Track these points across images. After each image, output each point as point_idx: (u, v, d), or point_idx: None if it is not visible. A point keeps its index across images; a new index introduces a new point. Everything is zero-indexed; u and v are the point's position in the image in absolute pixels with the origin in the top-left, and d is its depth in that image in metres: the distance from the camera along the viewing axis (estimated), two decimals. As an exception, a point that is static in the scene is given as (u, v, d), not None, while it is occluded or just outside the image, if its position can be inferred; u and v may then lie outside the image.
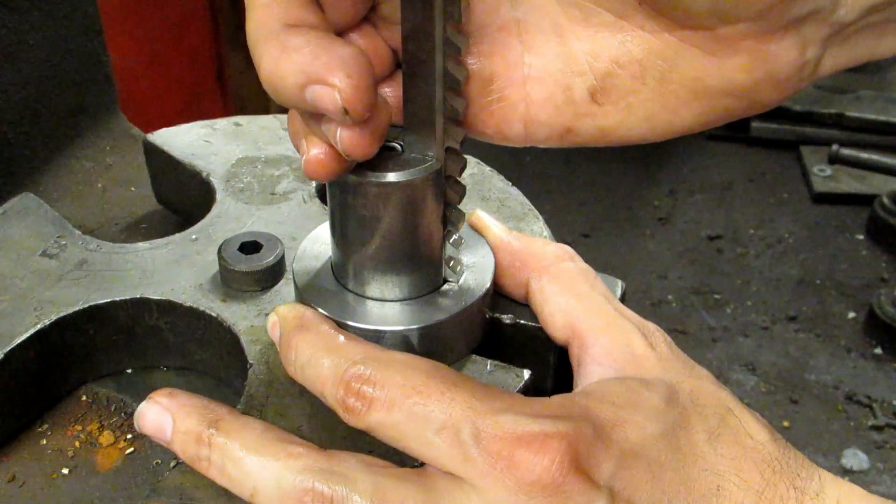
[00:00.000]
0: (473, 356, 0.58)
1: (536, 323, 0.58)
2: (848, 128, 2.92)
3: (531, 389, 0.57)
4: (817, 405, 2.13)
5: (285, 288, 0.63)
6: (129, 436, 0.63)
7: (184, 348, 0.65)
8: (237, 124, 0.81)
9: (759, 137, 3.02)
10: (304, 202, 0.72)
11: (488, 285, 0.57)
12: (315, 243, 0.60)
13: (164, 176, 0.79)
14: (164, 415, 0.52)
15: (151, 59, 2.26)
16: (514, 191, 0.74)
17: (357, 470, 0.48)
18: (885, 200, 2.59)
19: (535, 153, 3.02)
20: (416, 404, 0.47)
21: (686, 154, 3.05)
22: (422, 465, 0.49)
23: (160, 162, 0.78)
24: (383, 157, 0.51)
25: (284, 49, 0.44)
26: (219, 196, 0.72)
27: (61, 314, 0.61)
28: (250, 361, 0.58)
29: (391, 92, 0.50)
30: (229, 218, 0.70)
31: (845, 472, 1.95)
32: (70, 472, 0.60)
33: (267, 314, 0.58)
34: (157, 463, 0.61)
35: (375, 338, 0.54)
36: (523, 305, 0.59)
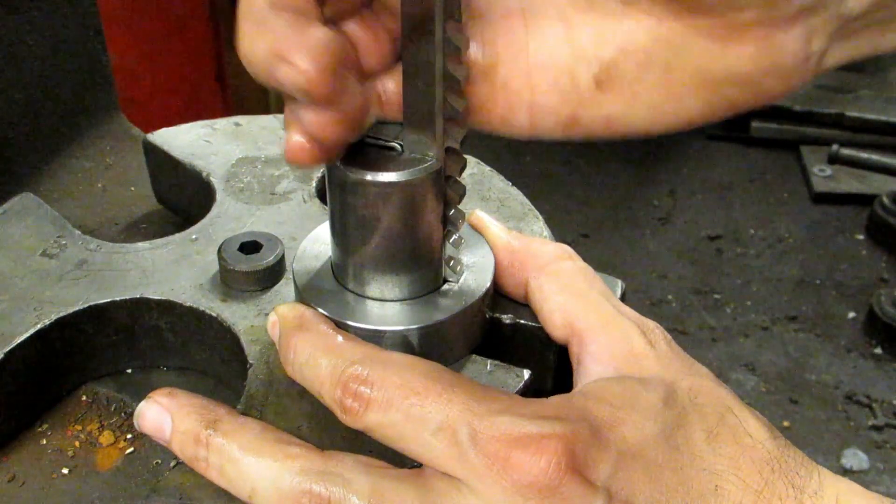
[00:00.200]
0: (473, 356, 0.58)
1: (536, 323, 0.58)
2: (848, 128, 2.92)
3: (531, 389, 0.57)
4: (817, 405, 2.13)
5: (285, 288, 0.63)
6: (129, 436, 0.63)
7: (184, 348, 0.65)
8: (237, 124, 0.81)
9: (759, 137, 3.02)
10: (304, 202, 0.72)
11: (488, 285, 0.57)
12: (315, 243, 0.60)
13: (164, 176, 0.79)
14: (163, 414, 0.52)
15: (151, 59, 2.26)
16: (514, 191, 0.74)
17: (355, 471, 0.48)
18: (885, 200, 2.59)
19: (536, 153, 3.02)
20: (413, 405, 0.47)
21: (686, 154, 3.05)
22: (419, 465, 0.49)
23: (160, 162, 0.78)
24: (383, 157, 0.51)
25: (260, 27, 0.45)
26: (219, 196, 0.72)
27: (61, 314, 0.61)
28: (250, 361, 0.58)
29: (391, 85, 0.50)
30: (229, 218, 0.70)
31: (845, 472, 1.95)
32: (70, 472, 0.60)
33: (267, 314, 0.58)
34: (157, 463, 0.61)
35: (375, 338, 0.54)
36: (523, 305, 0.59)
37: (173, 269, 0.65)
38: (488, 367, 0.57)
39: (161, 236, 0.69)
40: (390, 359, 0.50)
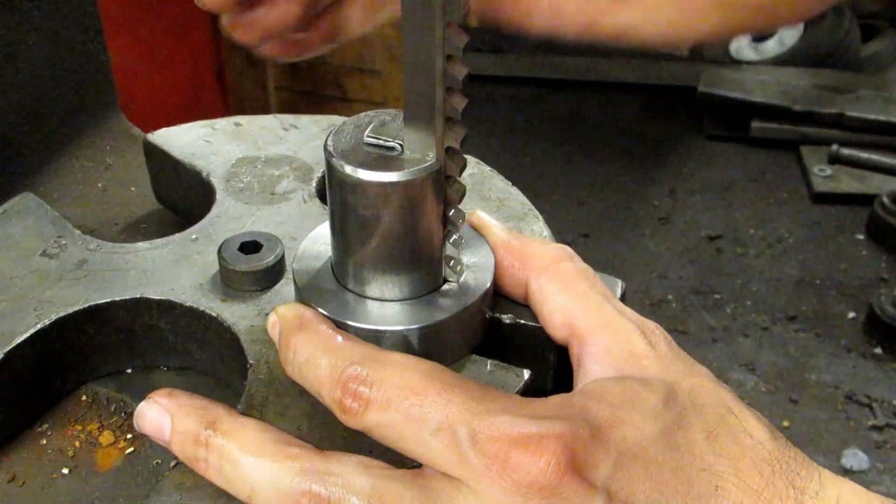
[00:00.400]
0: (473, 356, 0.58)
1: (536, 323, 0.58)
2: (848, 128, 2.92)
3: (531, 389, 0.57)
4: (817, 405, 2.13)
5: (285, 288, 0.63)
6: (129, 436, 0.63)
7: (184, 348, 0.65)
8: (237, 124, 0.81)
9: (759, 137, 3.02)
10: (304, 202, 0.72)
11: (488, 285, 0.57)
12: (315, 243, 0.60)
13: (164, 176, 0.79)
14: (163, 415, 0.52)
15: (151, 59, 2.26)
16: (514, 191, 0.74)
17: (354, 471, 0.48)
18: (885, 200, 2.59)
19: (536, 153, 3.02)
20: (412, 405, 0.47)
21: (686, 154, 3.05)
22: (419, 466, 0.49)
23: (160, 162, 0.78)
24: (383, 157, 0.51)
25: None
26: (219, 196, 0.72)
27: (61, 314, 0.61)
28: (250, 361, 0.58)
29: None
30: (229, 218, 0.70)
31: (845, 472, 1.95)
32: (70, 472, 0.60)
33: (267, 314, 0.58)
34: (157, 463, 0.61)
35: (375, 338, 0.54)
36: (523, 305, 0.59)
37: (173, 269, 0.65)
38: (488, 367, 0.57)
39: (161, 236, 0.69)
40: (390, 359, 0.50)
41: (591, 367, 0.54)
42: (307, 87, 2.80)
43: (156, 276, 0.64)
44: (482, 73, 3.36)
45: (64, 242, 0.68)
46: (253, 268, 0.63)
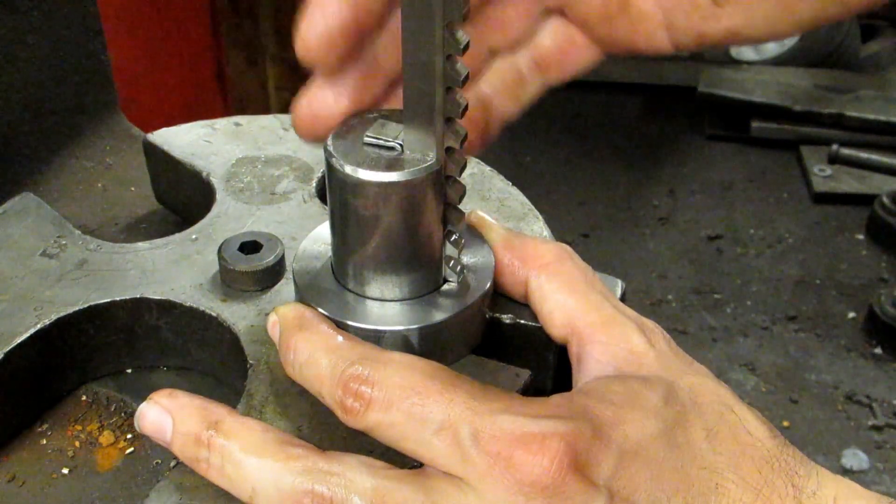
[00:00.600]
0: (473, 356, 0.58)
1: (536, 322, 0.58)
2: (848, 128, 2.92)
3: (531, 389, 0.57)
4: (817, 405, 2.13)
5: (285, 288, 0.63)
6: (129, 436, 0.63)
7: (184, 348, 0.65)
8: (237, 124, 0.81)
9: (759, 137, 3.02)
10: (304, 202, 0.72)
11: (488, 285, 0.57)
12: (315, 243, 0.60)
13: (164, 176, 0.79)
14: (164, 415, 0.52)
15: (151, 59, 2.26)
16: (514, 191, 0.74)
17: (356, 471, 0.48)
18: (885, 200, 2.59)
19: (536, 153, 3.02)
20: (414, 405, 0.47)
21: (686, 154, 3.05)
22: (421, 465, 0.49)
23: (160, 162, 0.78)
24: (383, 157, 0.51)
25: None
26: (219, 196, 0.72)
27: (61, 314, 0.61)
28: (250, 361, 0.58)
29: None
30: (229, 218, 0.70)
31: (845, 472, 1.95)
32: (70, 472, 0.60)
33: (267, 314, 0.58)
34: (157, 463, 0.61)
35: (375, 338, 0.54)
36: (523, 305, 0.59)
37: (173, 269, 0.65)
38: (488, 367, 0.57)
39: (161, 236, 0.69)
40: (391, 358, 0.50)
41: (591, 365, 0.54)
42: (307, 88, 2.79)
43: (156, 276, 0.64)
44: (482, 73, 3.35)
45: (64, 242, 0.68)
46: (253, 268, 0.63)
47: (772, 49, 3.26)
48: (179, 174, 0.77)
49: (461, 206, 0.55)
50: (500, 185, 0.74)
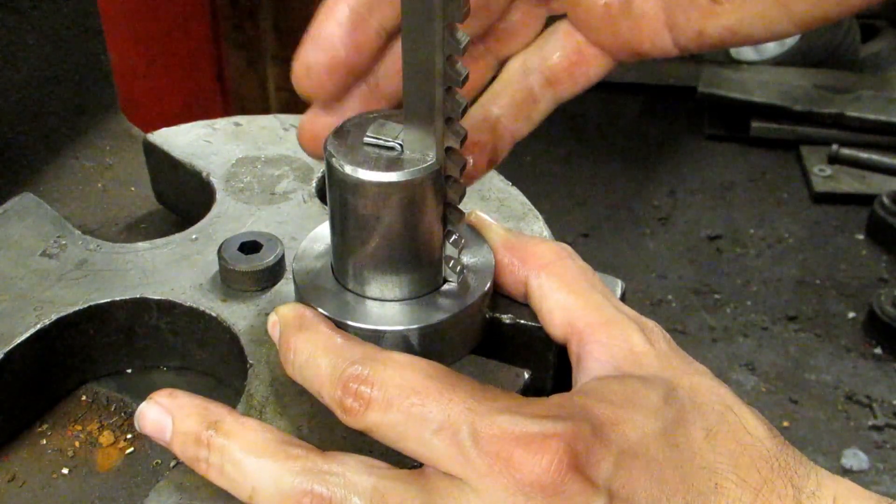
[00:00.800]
0: (473, 356, 0.58)
1: (536, 322, 0.58)
2: (848, 128, 2.92)
3: (531, 389, 0.57)
4: (817, 405, 2.13)
5: (285, 288, 0.63)
6: (129, 436, 0.63)
7: (184, 348, 0.65)
8: (237, 124, 0.81)
9: (759, 137, 3.02)
10: (304, 202, 0.72)
11: (488, 285, 0.57)
12: (315, 243, 0.60)
13: (164, 176, 0.79)
14: (164, 415, 0.52)
15: (151, 59, 2.26)
16: (514, 191, 0.74)
17: (356, 471, 0.48)
18: (885, 200, 2.59)
19: (535, 153, 3.02)
20: (413, 405, 0.47)
21: (686, 154, 3.05)
22: (421, 465, 0.49)
23: (160, 162, 0.78)
24: (383, 157, 0.51)
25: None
26: (219, 196, 0.72)
27: (61, 314, 0.61)
28: (250, 361, 0.58)
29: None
30: (229, 218, 0.70)
31: (845, 472, 1.95)
32: (70, 472, 0.60)
33: (267, 314, 0.58)
34: (157, 463, 0.61)
35: (375, 338, 0.54)
36: (523, 305, 0.59)
37: (173, 269, 0.65)
38: (488, 367, 0.57)
39: (161, 236, 0.69)
40: (391, 358, 0.50)
41: (591, 364, 0.54)
42: (307, 88, 2.78)
43: (156, 276, 0.64)
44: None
45: (64, 242, 0.68)
46: (253, 268, 0.63)
47: (772, 49, 3.26)
48: (179, 174, 0.77)
49: (461, 206, 0.55)
50: (500, 185, 0.74)
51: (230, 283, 0.63)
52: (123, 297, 0.63)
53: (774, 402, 2.13)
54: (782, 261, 2.58)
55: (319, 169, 0.75)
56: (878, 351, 2.26)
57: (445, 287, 0.57)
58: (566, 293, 0.56)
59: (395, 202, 0.51)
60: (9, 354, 0.59)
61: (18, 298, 0.63)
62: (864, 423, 2.08)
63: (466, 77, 0.49)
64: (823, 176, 2.83)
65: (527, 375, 0.56)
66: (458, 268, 0.56)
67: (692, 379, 0.52)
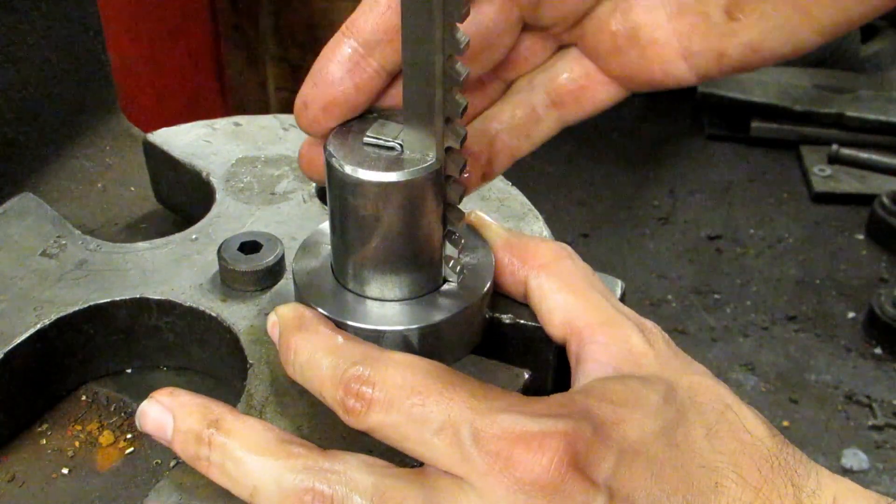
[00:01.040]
0: (473, 356, 0.58)
1: (536, 322, 0.58)
2: (848, 128, 2.92)
3: (531, 389, 0.57)
4: (817, 405, 2.13)
5: (285, 288, 0.63)
6: (128, 435, 0.63)
7: (184, 348, 0.65)
8: (237, 124, 0.81)
9: (758, 137, 3.02)
10: (304, 202, 0.72)
11: (488, 285, 0.57)
12: (315, 243, 0.60)
13: (163, 176, 0.79)
14: (165, 414, 0.52)
15: (151, 59, 2.26)
16: (514, 191, 0.74)
17: (357, 470, 0.48)
18: (885, 200, 2.59)
19: (536, 153, 3.02)
20: (414, 405, 0.47)
21: (686, 154, 3.05)
22: (422, 465, 0.49)
23: (160, 162, 0.78)
24: (383, 157, 0.51)
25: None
26: (219, 196, 0.72)
27: (61, 314, 0.61)
28: (250, 361, 0.58)
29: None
30: (229, 218, 0.70)
31: (845, 472, 1.95)
32: (70, 472, 0.60)
33: (267, 314, 0.58)
34: (157, 463, 0.61)
35: (375, 338, 0.54)
36: (523, 305, 0.59)
37: (173, 269, 0.65)
38: (488, 367, 0.57)
39: (161, 236, 0.69)
40: (392, 358, 0.50)
41: (590, 365, 0.54)
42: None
43: (156, 276, 0.64)
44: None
45: (64, 242, 0.68)
46: (253, 268, 0.63)
47: (772, 49, 3.25)
48: (179, 174, 0.77)
49: (461, 206, 0.55)
50: (500, 185, 0.74)
51: (230, 283, 0.63)
52: (123, 297, 0.63)
53: (774, 402, 2.13)
54: (782, 261, 2.58)
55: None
56: (878, 351, 2.26)
57: (445, 287, 0.57)
58: (565, 293, 0.56)
59: (395, 202, 0.51)
60: (9, 354, 0.59)
61: (18, 298, 0.63)
62: (863, 423, 2.08)
63: (467, 77, 0.49)
64: (823, 176, 2.83)
65: (527, 375, 0.56)
66: (458, 268, 0.56)
67: (692, 378, 0.52)
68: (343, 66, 0.50)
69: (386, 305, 0.55)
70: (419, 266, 0.55)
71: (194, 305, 0.62)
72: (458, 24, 0.47)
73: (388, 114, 0.53)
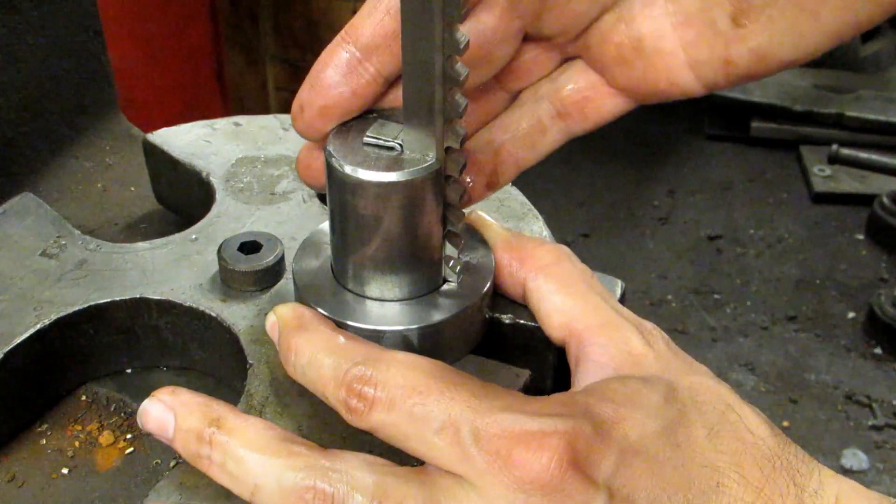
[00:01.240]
0: (473, 356, 0.58)
1: (536, 322, 0.58)
2: (848, 128, 2.92)
3: (531, 389, 0.57)
4: (817, 405, 2.13)
5: (285, 288, 0.63)
6: (128, 436, 0.63)
7: (184, 348, 0.65)
8: (237, 124, 0.81)
9: (758, 137, 3.02)
10: (304, 202, 0.72)
11: (488, 285, 0.57)
12: (315, 243, 0.60)
13: (163, 176, 0.79)
14: (166, 413, 0.52)
15: (151, 59, 2.26)
16: (514, 191, 0.74)
17: (358, 468, 0.48)
18: (885, 200, 2.59)
19: (535, 153, 3.03)
20: (415, 405, 0.47)
21: (686, 154, 3.05)
22: (423, 463, 0.49)
23: (160, 162, 0.78)
24: (383, 157, 0.51)
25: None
26: (218, 196, 0.72)
27: (61, 314, 0.61)
28: (250, 361, 0.58)
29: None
30: (229, 218, 0.70)
31: (845, 472, 1.95)
32: (70, 472, 0.60)
33: (267, 314, 0.58)
34: (156, 463, 0.61)
35: (375, 338, 0.54)
36: (523, 305, 0.59)
37: (173, 269, 0.65)
38: (488, 367, 0.57)
39: (161, 236, 0.69)
40: (393, 358, 0.50)
41: (589, 367, 0.54)
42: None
43: (156, 276, 0.64)
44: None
45: (64, 242, 0.68)
46: (253, 268, 0.63)
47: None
48: (179, 174, 0.77)
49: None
50: (499, 184, 0.74)
51: (230, 283, 0.63)
52: (123, 297, 0.63)
53: (774, 401, 2.13)
54: (782, 261, 2.58)
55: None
56: (878, 351, 2.26)
57: (445, 287, 0.57)
58: (564, 295, 0.56)
59: (395, 202, 0.51)
60: (8, 354, 0.59)
61: (18, 298, 0.63)
62: (863, 423, 2.08)
63: (467, 77, 0.49)
64: (823, 176, 2.83)
65: (526, 376, 0.56)
66: (458, 268, 0.56)
67: (692, 378, 0.52)
68: (340, 70, 0.50)
69: (386, 305, 0.55)
70: (419, 266, 0.55)
71: (194, 305, 0.62)
72: (458, 24, 0.47)
73: (388, 114, 0.53)
